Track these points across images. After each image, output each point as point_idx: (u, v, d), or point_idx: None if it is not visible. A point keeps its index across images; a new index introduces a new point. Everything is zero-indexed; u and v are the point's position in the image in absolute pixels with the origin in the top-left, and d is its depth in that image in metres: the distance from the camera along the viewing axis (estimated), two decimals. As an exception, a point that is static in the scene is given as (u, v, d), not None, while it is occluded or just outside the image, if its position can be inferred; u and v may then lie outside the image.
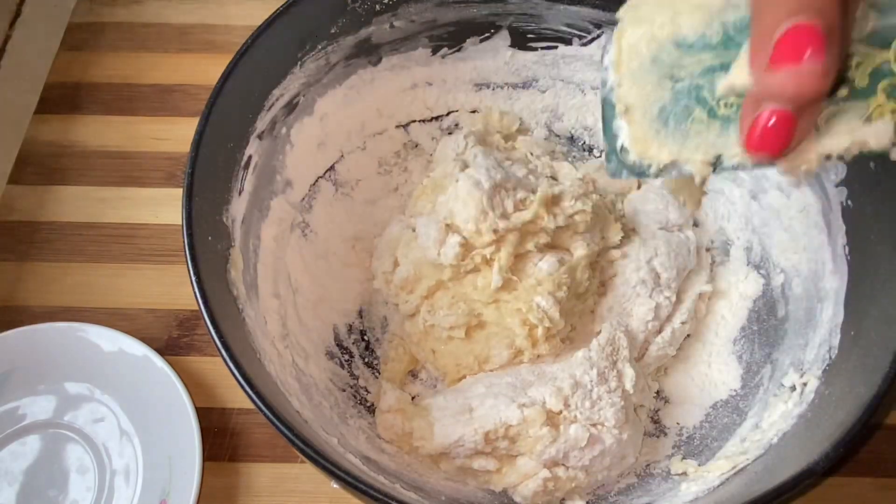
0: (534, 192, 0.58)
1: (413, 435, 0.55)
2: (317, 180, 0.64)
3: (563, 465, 0.54)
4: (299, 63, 0.59)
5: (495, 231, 0.56)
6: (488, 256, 0.56)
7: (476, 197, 0.56)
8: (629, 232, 0.62)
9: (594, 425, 0.54)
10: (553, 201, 0.58)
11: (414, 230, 0.60)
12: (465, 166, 0.60)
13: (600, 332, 0.58)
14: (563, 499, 0.55)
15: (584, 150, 0.70)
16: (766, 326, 0.61)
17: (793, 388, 0.55)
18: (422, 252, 0.58)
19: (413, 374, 0.61)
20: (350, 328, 0.62)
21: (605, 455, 0.53)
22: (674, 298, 0.61)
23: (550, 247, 0.60)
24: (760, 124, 0.35)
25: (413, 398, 0.58)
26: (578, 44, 0.65)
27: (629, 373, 0.56)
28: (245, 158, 0.57)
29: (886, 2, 0.35)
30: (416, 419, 0.55)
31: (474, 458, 0.54)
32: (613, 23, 0.64)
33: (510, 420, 0.52)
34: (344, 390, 0.58)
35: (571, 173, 0.64)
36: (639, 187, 0.67)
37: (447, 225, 0.57)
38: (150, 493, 0.56)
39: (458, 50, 0.66)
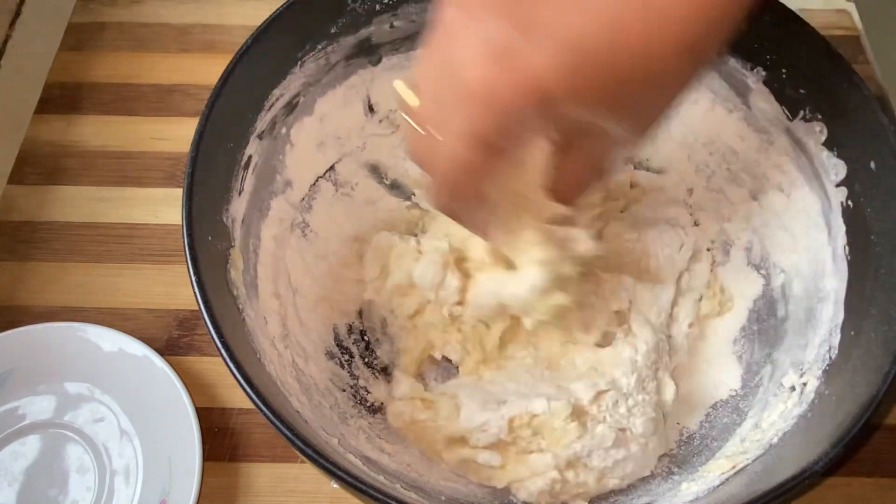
0: None
1: (437, 414, 0.54)
2: (317, 180, 0.64)
3: (584, 464, 0.53)
4: (299, 63, 0.59)
5: None
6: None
7: None
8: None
9: (621, 430, 0.53)
10: None
11: (401, 237, 0.61)
12: None
13: (627, 319, 0.57)
14: (566, 501, 0.55)
15: (584, 150, 0.70)
16: (766, 326, 0.61)
17: (793, 388, 0.55)
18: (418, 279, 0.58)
19: (421, 376, 0.61)
20: (350, 328, 0.62)
21: (628, 462, 0.53)
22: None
23: None
24: None
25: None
26: (578, 44, 0.65)
27: (670, 385, 0.56)
28: (245, 158, 0.57)
29: None
30: (441, 400, 0.55)
31: (481, 451, 0.54)
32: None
33: (535, 409, 0.52)
34: (344, 390, 0.58)
35: None
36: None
37: (450, 260, 0.58)
38: (150, 493, 0.56)
39: (458, 50, 0.66)
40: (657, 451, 0.55)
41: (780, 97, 0.58)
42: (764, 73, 0.58)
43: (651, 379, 0.55)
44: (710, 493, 0.50)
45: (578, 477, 0.53)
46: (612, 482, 0.54)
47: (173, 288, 0.65)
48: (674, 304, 0.62)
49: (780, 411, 0.54)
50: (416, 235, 0.63)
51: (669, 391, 0.56)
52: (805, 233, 0.59)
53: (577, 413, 0.53)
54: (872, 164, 0.53)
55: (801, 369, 0.55)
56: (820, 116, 0.56)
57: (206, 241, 0.51)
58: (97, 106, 0.75)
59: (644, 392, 0.54)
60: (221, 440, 0.60)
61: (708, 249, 0.65)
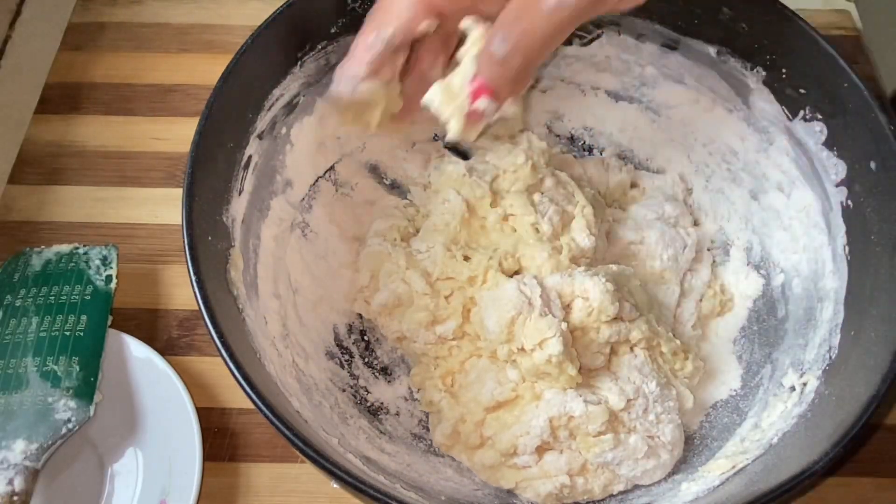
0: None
1: (483, 433, 0.55)
2: (317, 180, 0.64)
3: (613, 471, 0.53)
4: (299, 63, 0.59)
5: None
6: None
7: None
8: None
9: (651, 437, 0.54)
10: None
11: (393, 245, 0.61)
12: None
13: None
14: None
15: (584, 150, 0.70)
16: (766, 326, 0.61)
17: (792, 388, 0.55)
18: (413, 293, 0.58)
19: None
20: (350, 328, 0.62)
21: (657, 470, 0.54)
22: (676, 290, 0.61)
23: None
24: None
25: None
26: (578, 44, 0.65)
27: (688, 394, 0.56)
28: (245, 158, 0.57)
29: None
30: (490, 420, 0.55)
31: (520, 456, 0.54)
32: (614, 23, 0.64)
33: (573, 410, 0.52)
34: (344, 390, 0.58)
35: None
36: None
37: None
38: (150, 493, 0.56)
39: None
40: (677, 456, 0.55)
41: (780, 97, 0.58)
42: (764, 73, 0.58)
43: (670, 385, 0.55)
44: (710, 493, 0.50)
45: (587, 483, 0.54)
46: (617, 488, 0.54)
47: (173, 288, 0.65)
48: (677, 305, 0.62)
49: (780, 411, 0.54)
50: (411, 236, 0.63)
51: (689, 399, 0.56)
52: (805, 233, 0.59)
53: (611, 420, 0.53)
54: (872, 164, 0.53)
55: (801, 369, 0.55)
56: (820, 116, 0.57)
57: (206, 241, 0.51)
58: (97, 106, 0.75)
59: (669, 399, 0.55)
60: (221, 440, 0.60)
61: (708, 249, 0.65)
